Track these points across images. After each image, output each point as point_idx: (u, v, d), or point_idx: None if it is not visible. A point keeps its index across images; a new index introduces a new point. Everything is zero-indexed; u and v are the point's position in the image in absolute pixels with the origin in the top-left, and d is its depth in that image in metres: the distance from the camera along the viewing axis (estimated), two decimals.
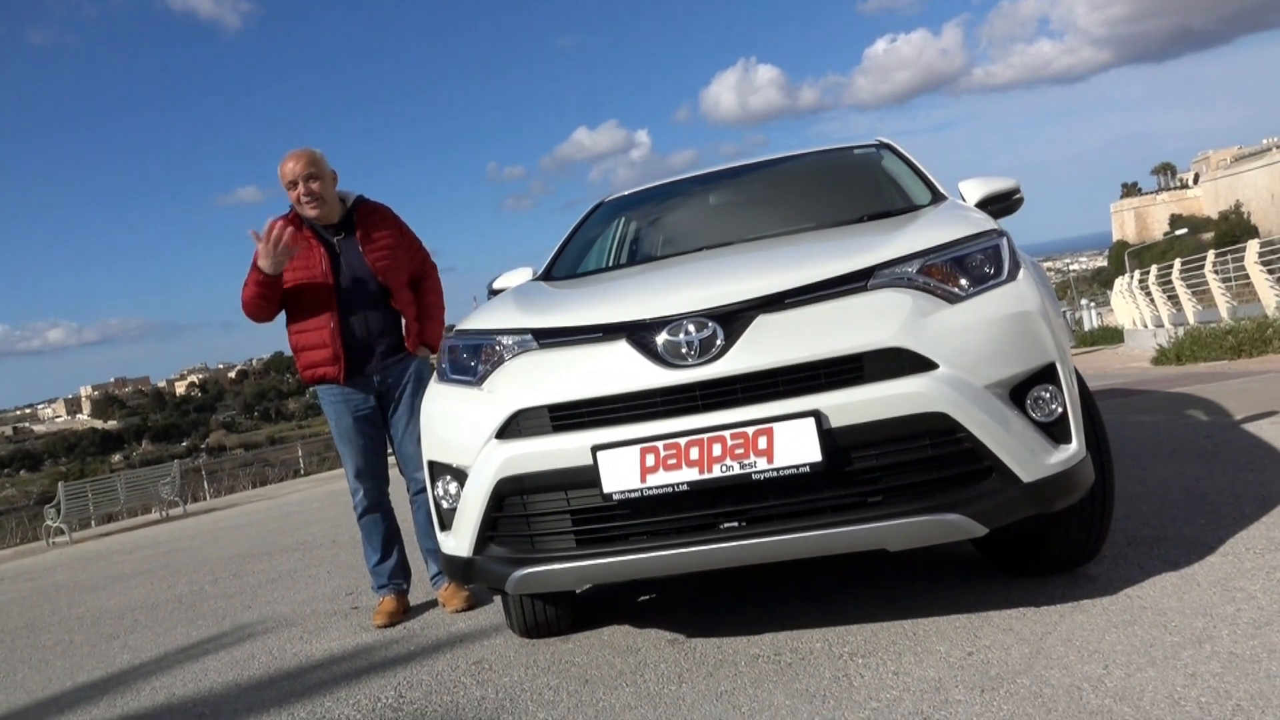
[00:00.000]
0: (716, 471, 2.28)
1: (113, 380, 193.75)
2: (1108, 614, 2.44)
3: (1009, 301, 2.44)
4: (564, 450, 2.41)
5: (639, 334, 2.46)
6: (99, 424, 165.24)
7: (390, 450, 3.87)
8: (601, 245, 4.16)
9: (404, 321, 3.79)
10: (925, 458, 2.30)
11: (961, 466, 2.30)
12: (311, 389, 3.86)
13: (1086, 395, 2.62)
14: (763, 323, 2.39)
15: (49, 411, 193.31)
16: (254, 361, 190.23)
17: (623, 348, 2.46)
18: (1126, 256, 45.86)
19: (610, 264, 3.98)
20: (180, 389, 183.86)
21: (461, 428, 2.62)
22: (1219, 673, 2.01)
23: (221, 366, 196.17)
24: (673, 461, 2.30)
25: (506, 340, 2.69)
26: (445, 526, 2.72)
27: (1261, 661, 2.03)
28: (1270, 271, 14.83)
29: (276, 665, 3.45)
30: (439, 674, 2.95)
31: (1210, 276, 17.14)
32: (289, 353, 3.92)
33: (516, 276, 3.74)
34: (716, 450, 2.29)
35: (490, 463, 2.50)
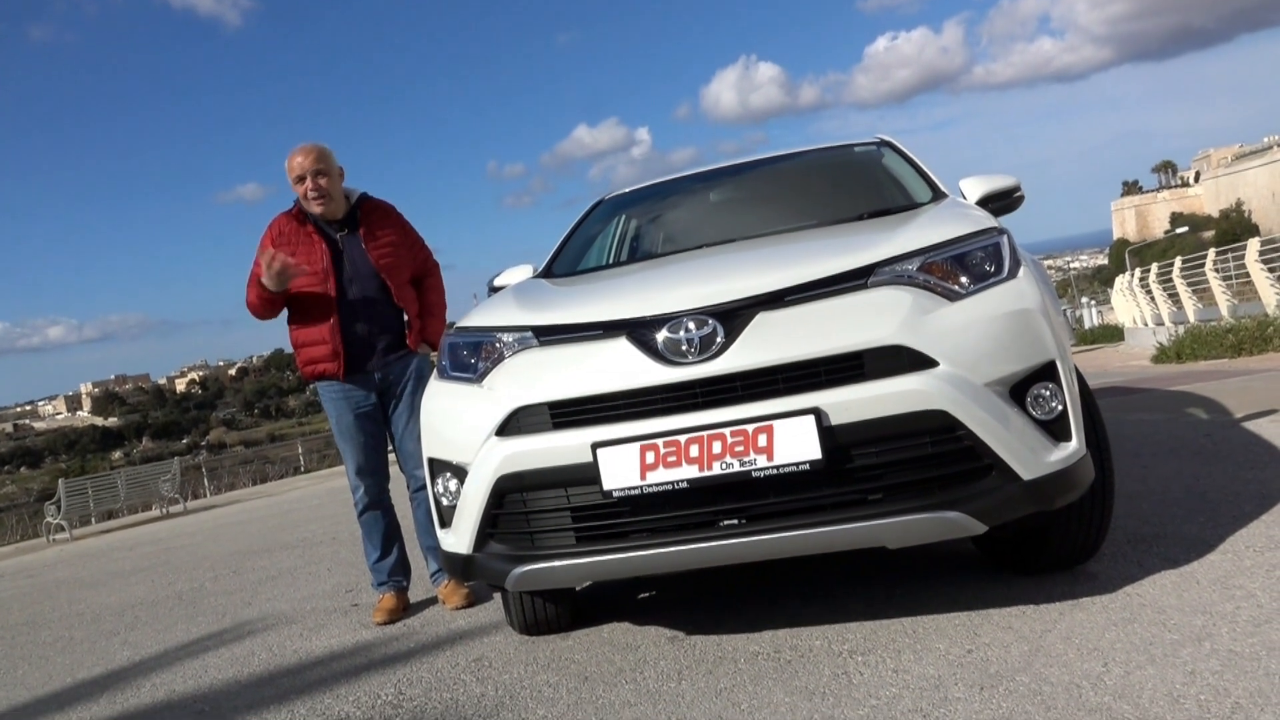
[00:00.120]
0: (716, 469, 2.28)
1: (113, 377, 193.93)
2: (1107, 612, 2.44)
3: (1009, 299, 2.44)
4: (564, 447, 2.41)
5: (639, 331, 2.46)
6: (99, 421, 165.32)
7: (391, 447, 3.88)
8: (602, 243, 4.15)
9: (405, 319, 3.79)
10: (925, 455, 2.30)
11: (961, 464, 2.30)
12: (311, 386, 3.86)
13: (1086, 393, 2.62)
14: (763, 320, 2.39)
15: (49, 408, 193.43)
16: (254, 359, 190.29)
17: (623, 345, 2.46)
18: (1127, 255, 45.85)
19: (610, 261, 3.98)
20: (180, 386, 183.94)
21: (462, 425, 2.62)
22: (1218, 670, 2.01)
23: (222, 364, 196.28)
24: (673, 459, 2.31)
25: (507, 337, 2.69)
26: (445, 524, 2.72)
27: (1261, 659, 2.03)
28: (1271, 270, 14.83)
29: (276, 662, 3.45)
30: (439, 671, 2.95)
31: (1211, 275, 17.14)
32: (289, 350, 3.92)
33: (517, 274, 3.74)
34: (716, 448, 2.29)
35: (490, 460, 2.50)
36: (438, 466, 2.73)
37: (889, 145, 4.03)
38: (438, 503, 2.75)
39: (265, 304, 3.64)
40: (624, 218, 4.27)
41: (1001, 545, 2.86)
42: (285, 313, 3.77)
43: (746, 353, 2.35)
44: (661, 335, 2.42)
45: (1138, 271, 23.25)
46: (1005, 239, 2.61)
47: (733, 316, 2.40)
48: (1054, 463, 2.33)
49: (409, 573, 3.91)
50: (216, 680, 3.34)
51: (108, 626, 4.89)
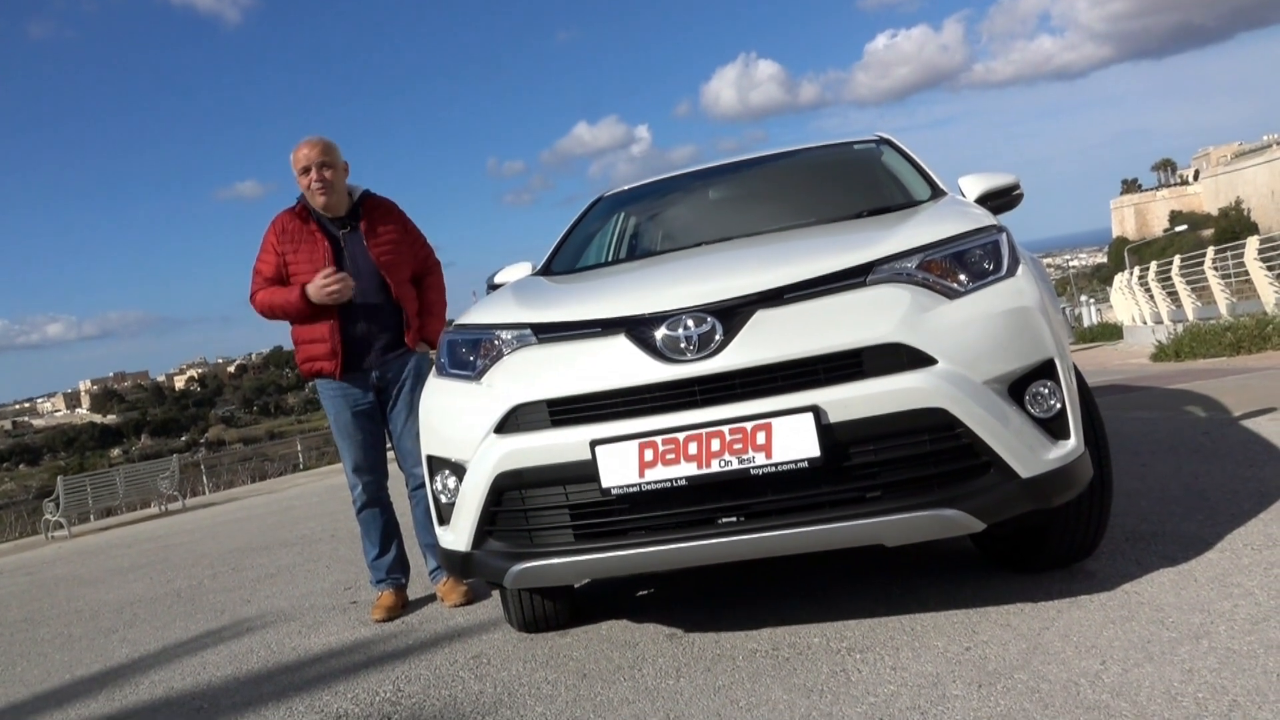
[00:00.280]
0: (715, 467, 2.28)
1: (112, 374, 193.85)
2: (1105, 610, 2.45)
3: (1008, 297, 2.44)
4: (562, 445, 2.42)
5: (638, 329, 2.46)
6: (98, 418, 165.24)
7: (389, 445, 3.88)
8: (601, 240, 4.15)
9: (404, 316, 3.79)
10: (924, 453, 2.30)
11: (960, 462, 2.31)
12: (311, 384, 3.86)
13: (1085, 391, 2.63)
14: (762, 318, 2.39)
15: (48, 405, 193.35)
16: (253, 356, 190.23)
17: (622, 343, 2.46)
18: (1126, 253, 45.86)
19: (610, 259, 3.98)
20: (179, 383, 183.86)
21: (460, 422, 2.62)
22: (1216, 668, 2.01)
23: (221, 361, 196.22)
24: (671, 456, 2.31)
25: (505, 335, 2.69)
26: (444, 521, 2.72)
27: (1258, 657, 2.04)
28: (1270, 268, 14.83)
29: (275, 659, 3.45)
30: (437, 668, 2.95)
31: (1210, 273, 17.14)
32: (288, 347, 3.93)
33: (516, 271, 3.74)
34: (715, 445, 2.29)
35: (489, 457, 2.50)
36: (436, 464, 2.73)
37: (888, 143, 4.03)
38: (436, 500, 2.75)
39: (296, 312, 3.65)
40: (623, 215, 4.27)
41: (1000, 543, 2.86)
42: None
43: (745, 350, 2.35)
44: (660, 333, 2.42)
45: (1137, 270, 23.25)
46: (1004, 237, 2.61)
47: (731, 314, 2.40)
48: (1052, 461, 2.33)
49: (408, 570, 3.92)
50: (215, 677, 3.34)
51: (106, 624, 4.89)
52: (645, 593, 3.37)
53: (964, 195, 3.39)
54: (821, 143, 4.30)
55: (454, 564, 2.71)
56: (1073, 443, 2.38)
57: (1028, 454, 2.31)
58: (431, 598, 3.90)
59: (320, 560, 5.73)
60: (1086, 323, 34.20)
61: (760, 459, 2.27)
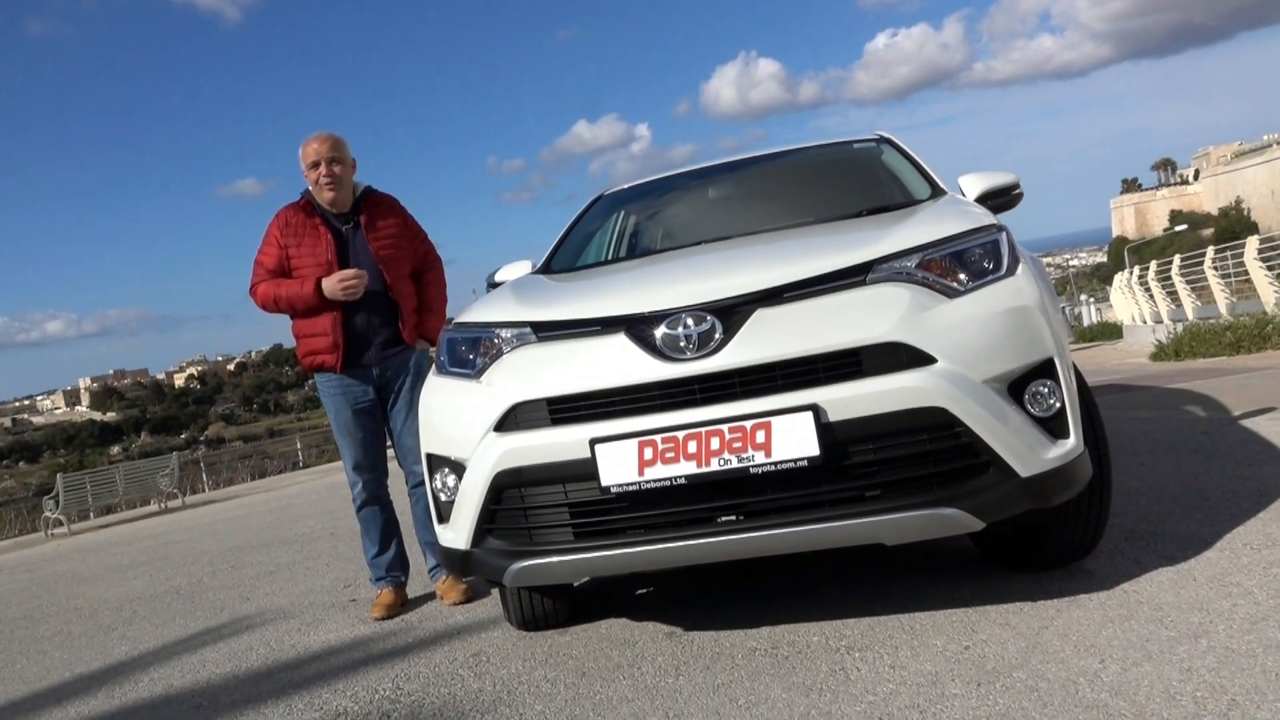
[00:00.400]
0: (714, 465, 2.29)
1: (111, 372, 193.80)
2: (1104, 609, 2.45)
3: (1008, 296, 2.44)
4: (562, 443, 2.42)
5: (637, 327, 2.46)
6: (98, 416, 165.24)
7: (389, 443, 3.88)
8: (601, 239, 4.15)
9: (401, 312, 3.80)
10: (923, 452, 2.30)
11: (959, 461, 2.31)
12: (310, 381, 3.87)
13: (1085, 391, 2.63)
14: (761, 317, 2.39)
15: (48, 403, 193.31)
16: (253, 354, 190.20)
17: (621, 341, 2.46)
18: (1126, 252, 45.85)
19: (609, 257, 3.98)
20: (179, 381, 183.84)
21: (460, 420, 2.62)
22: (1215, 668, 2.01)
23: (220, 359, 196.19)
24: (670, 455, 2.31)
25: (505, 333, 2.69)
26: (443, 519, 2.72)
27: (1257, 656, 2.04)
28: (1270, 268, 14.83)
29: (274, 657, 3.45)
30: (436, 666, 2.95)
31: (1209, 273, 17.14)
32: (288, 345, 3.93)
33: (516, 269, 3.74)
34: (714, 444, 2.29)
35: (488, 455, 2.50)
36: (436, 462, 2.73)
37: (888, 142, 4.03)
38: (436, 498, 2.75)
39: (305, 305, 3.66)
40: (623, 214, 4.27)
41: (999, 542, 2.86)
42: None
43: (745, 349, 2.35)
44: (660, 331, 2.42)
45: (1136, 269, 23.25)
46: (1004, 236, 2.61)
47: (731, 313, 2.40)
48: (1052, 460, 2.33)
49: (407, 568, 3.92)
50: (214, 675, 3.34)
51: (106, 621, 4.89)
52: (644, 591, 3.37)
53: (964, 194, 3.39)
54: (821, 142, 4.30)
55: (453, 562, 2.71)
56: (1072, 442, 2.38)
57: (1027, 453, 2.31)
58: (431, 596, 3.90)
59: (320, 558, 5.74)
60: (1086, 322, 34.20)
61: (759, 458, 2.27)
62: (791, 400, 2.28)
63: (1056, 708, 1.95)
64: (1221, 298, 16.67)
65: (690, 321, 2.40)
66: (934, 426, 2.28)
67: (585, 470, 2.38)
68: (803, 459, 2.25)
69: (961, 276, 2.47)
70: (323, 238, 3.70)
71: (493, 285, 3.70)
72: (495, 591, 3.43)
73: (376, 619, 3.70)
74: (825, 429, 2.25)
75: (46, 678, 3.81)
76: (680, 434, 2.31)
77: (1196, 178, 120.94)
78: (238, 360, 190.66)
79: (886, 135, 4.10)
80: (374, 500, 3.83)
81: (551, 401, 2.47)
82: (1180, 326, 14.89)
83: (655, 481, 2.32)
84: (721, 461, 2.28)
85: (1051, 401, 2.38)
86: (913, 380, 2.28)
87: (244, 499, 14.38)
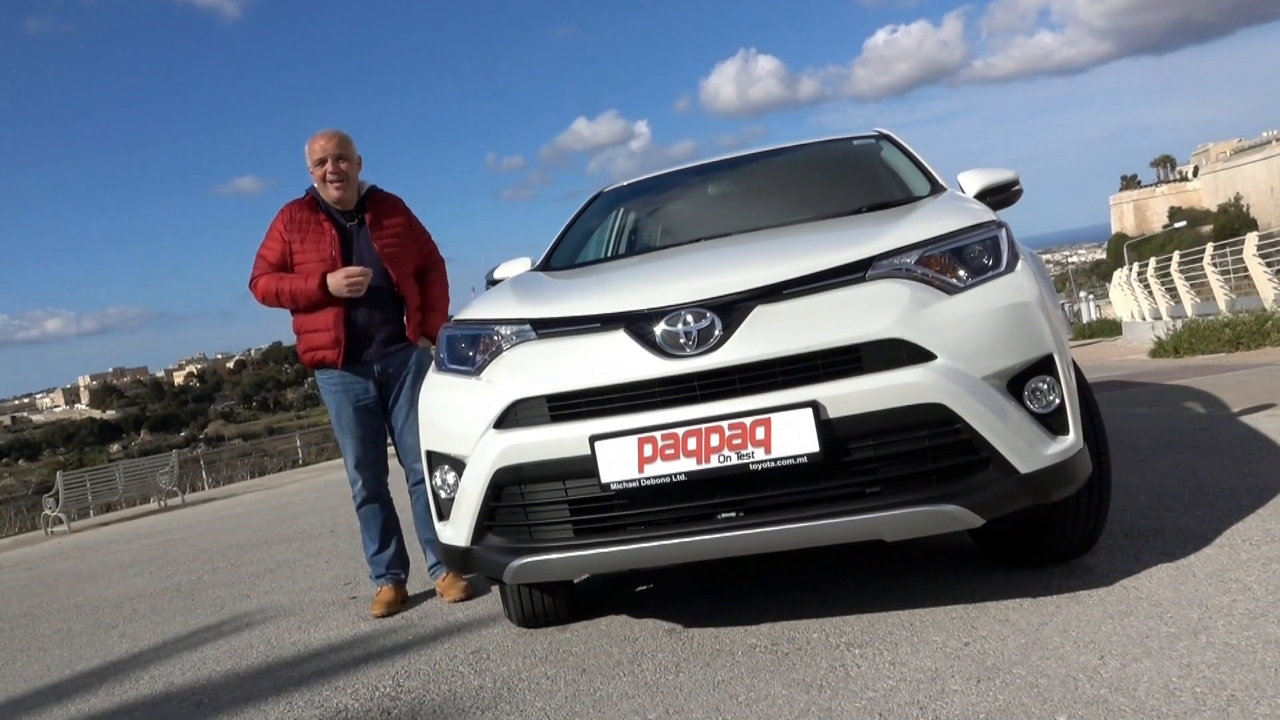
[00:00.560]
0: (714, 462, 2.29)
1: (111, 370, 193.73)
2: (1104, 605, 2.45)
3: (1007, 293, 2.44)
4: (562, 440, 2.42)
5: (637, 324, 2.46)
6: (97, 414, 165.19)
7: (390, 440, 3.88)
8: (600, 236, 4.15)
9: (405, 310, 3.81)
10: (923, 448, 2.30)
11: (959, 457, 2.31)
12: (310, 379, 3.88)
13: (1084, 387, 2.63)
14: (761, 313, 2.39)
15: (47, 401, 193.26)
16: (252, 351, 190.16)
17: (621, 338, 2.46)
18: (1125, 249, 45.86)
19: (609, 254, 3.98)
20: (178, 379, 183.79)
21: (460, 418, 2.62)
22: (1214, 663, 2.02)
23: (220, 356, 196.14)
24: (670, 452, 2.31)
25: (505, 330, 2.69)
26: (443, 516, 2.72)
27: (1256, 652, 2.04)
28: (1269, 264, 14.82)
29: (274, 654, 3.46)
30: (437, 663, 2.95)
31: (1209, 269, 17.13)
32: (288, 343, 3.94)
33: (515, 266, 3.74)
34: (714, 440, 2.29)
35: (488, 453, 2.50)
36: (436, 459, 2.73)
37: (887, 138, 4.03)
38: (436, 495, 2.75)
39: (308, 301, 3.66)
40: (623, 211, 4.26)
41: (998, 538, 2.86)
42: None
43: (744, 346, 2.35)
44: (659, 328, 2.42)
45: (1135, 266, 23.24)
46: (1003, 232, 2.61)
47: (731, 309, 2.40)
48: (1051, 456, 2.33)
49: (407, 566, 3.92)
50: (215, 672, 3.34)
51: (106, 619, 4.89)
52: (644, 588, 3.38)
53: (963, 191, 3.39)
54: (821, 138, 4.30)
55: (453, 559, 2.71)
56: (1072, 438, 2.38)
57: (1027, 449, 2.31)
58: (431, 593, 3.91)
59: (319, 555, 5.74)
60: (1085, 319, 34.19)
61: (759, 454, 2.27)
62: (791, 397, 2.28)
63: (1056, 704, 1.95)
64: (1221, 294, 16.66)
65: (690, 318, 2.40)
66: (934, 423, 2.28)
67: (585, 467, 2.38)
68: (802, 455, 2.25)
69: (961, 273, 2.47)
70: (327, 234, 3.70)
71: (492, 282, 3.70)
72: (495, 588, 3.44)
73: (377, 616, 3.70)
74: (825, 425, 2.25)
75: (47, 675, 3.81)
76: (680, 431, 2.31)
77: (1196, 174, 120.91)
78: (237, 358, 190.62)
79: (886, 132, 4.09)
80: (374, 498, 3.83)
81: (551, 398, 2.47)
82: (1179, 323, 14.89)
83: (655, 478, 2.32)
84: (721, 458, 2.28)
85: (1051, 398, 2.38)
86: (912, 377, 2.28)
87: (243, 497, 14.39)
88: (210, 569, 6.12)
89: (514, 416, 2.50)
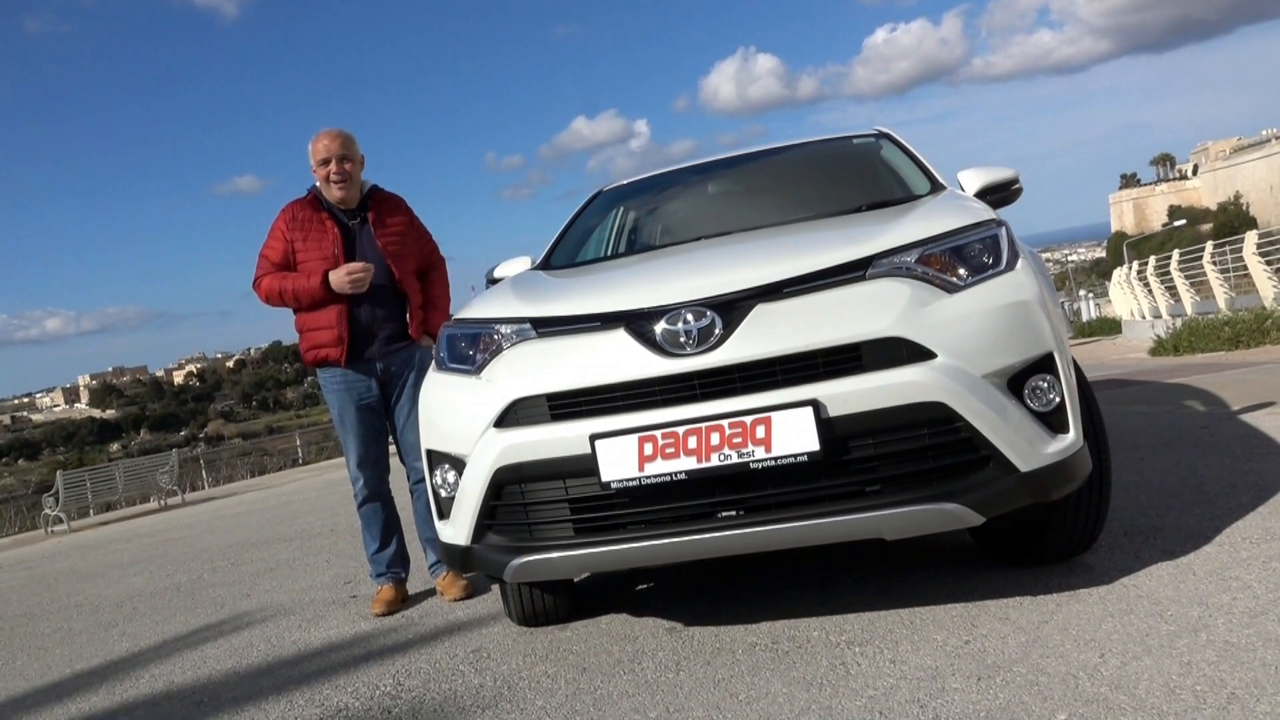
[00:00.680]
0: (714, 460, 2.29)
1: (110, 369, 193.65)
2: (1104, 603, 2.45)
3: (1007, 291, 2.44)
4: (562, 439, 2.42)
5: (637, 323, 2.46)
6: (97, 413, 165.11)
7: (391, 439, 3.88)
8: (600, 234, 4.15)
9: (409, 308, 3.81)
10: (923, 447, 2.30)
11: (959, 456, 2.31)
12: (310, 378, 3.88)
13: (1084, 385, 2.63)
14: (761, 312, 2.39)
15: (47, 400, 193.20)
16: (252, 351, 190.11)
17: (621, 337, 2.46)
18: (1125, 247, 45.86)
19: (609, 253, 3.98)
20: (178, 378, 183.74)
21: (460, 417, 2.62)
22: (1214, 661, 2.02)
23: (219, 356, 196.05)
24: (671, 450, 2.31)
25: (505, 329, 2.69)
26: (443, 515, 2.72)
27: (1257, 650, 2.04)
28: (1268, 263, 14.82)
29: (275, 653, 3.46)
30: (437, 662, 2.95)
31: (1208, 268, 17.13)
32: (287, 342, 3.96)
33: (515, 265, 3.74)
34: (715, 439, 2.29)
35: (488, 451, 2.50)
36: (436, 458, 2.73)
37: (887, 137, 4.02)
38: (436, 494, 2.75)
39: (310, 299, 3.66)
40: (622, 209, 4.26)
41: (998, 537, 2.86)
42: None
43: (745, 344, 2.35)
44: (660, 327, 2.42)
45: (1135, 264, 23.24)
46: (1003, 231, 2.61)
47: (731, 308, 2.40)
48: (1051, 454, 2.33)
49: (408, 564, 3.92)
50: (215, 671, 3.35)
51: (106, 618, 4.89)
52: (645, 586, 3.38)
53: (963, 190, 3.39)
54: (820, 137, 4.30)
55: (454, 558, 2.71)
56: (1072, 436, 2.38)
57: (1027, 448, 2.31)
58: (431, 592, 3.91)
59: (319, 555, 5.74)
60: (1085, 317, 34.19)
61: (760, 453, 2.27)
62: (791, 395, 2.28)
63: (1056, 702, 1.95)
64: (1220, 293, 16.66)
65: (690, 317, 2.40)
66: (934, 421, 2.28)
67: (585, 466, 2.38)
68: (803, 454, 2.25)
69: (961, 271, 2.47)
70: (329, 233, 3.70)
71: (492, 281, 3.70)
72: (495, 587, 3.44)
73: (377, 615, 3.70)
74: (825, 424, 2.25)
75: (47, 674, 3.81)
76: (680, 429, 2.31)
77: (1195, 173, 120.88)
78: (237, 357, 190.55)
79: (885, 130, 4.09)
80: (376, 496, 3.83)
81: (551, 397, 2.47)
82: (1179, 321, 14.89)
83: (656, 477, 2.32)
84: (722, 457, 2.28)
85: (1051, 396, 2.38)
86: (912, 375, 2.28)
87: (243, 496, 14.39)
88: (210, 568, 6.13)
89: (514, 415, 2.50)
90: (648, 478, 2.32)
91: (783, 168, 4.17)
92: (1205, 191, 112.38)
